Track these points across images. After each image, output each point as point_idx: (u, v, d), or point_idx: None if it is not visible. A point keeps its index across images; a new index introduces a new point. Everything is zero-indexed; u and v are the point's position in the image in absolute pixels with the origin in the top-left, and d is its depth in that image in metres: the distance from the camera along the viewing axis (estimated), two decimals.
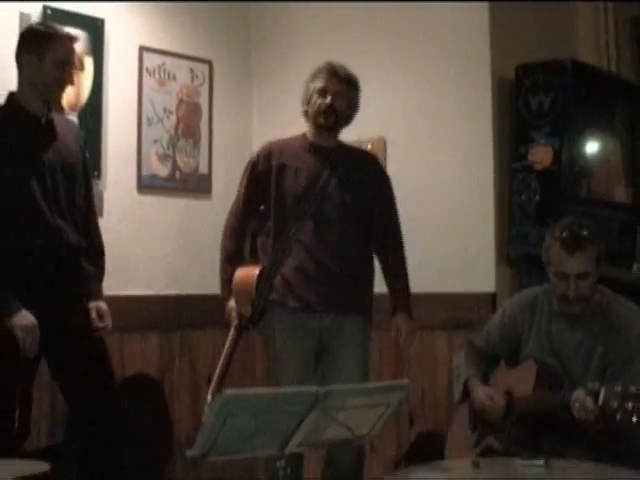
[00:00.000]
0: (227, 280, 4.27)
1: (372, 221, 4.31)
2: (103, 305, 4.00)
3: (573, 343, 3.53)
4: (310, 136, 4.32)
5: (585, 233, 3.44)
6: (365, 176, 4.32)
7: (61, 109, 4.28)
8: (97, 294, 4.01)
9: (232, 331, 4.25)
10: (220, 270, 4.34)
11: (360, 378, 4.15)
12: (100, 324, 3.97)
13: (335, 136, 4.34)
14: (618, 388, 3.06)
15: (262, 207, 4.32)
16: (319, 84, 4.21)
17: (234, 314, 4.24)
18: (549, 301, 3.64)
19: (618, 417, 3.04)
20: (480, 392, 3.63)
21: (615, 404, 3.04)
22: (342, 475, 4.20)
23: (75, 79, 4.29)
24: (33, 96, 3.87)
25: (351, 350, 4.18)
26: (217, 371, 4.24)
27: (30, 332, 3.67)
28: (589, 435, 3.29)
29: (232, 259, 4.31)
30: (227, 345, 4.24)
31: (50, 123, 3.93)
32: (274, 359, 4.28)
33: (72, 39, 3.92)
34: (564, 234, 3.44)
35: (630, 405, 3.00)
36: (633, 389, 3.02)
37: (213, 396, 4.15)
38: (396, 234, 4.37)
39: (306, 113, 4.28)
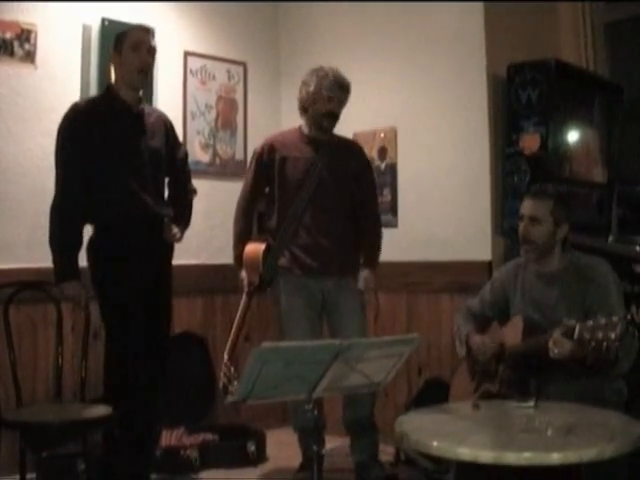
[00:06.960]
0: (238, 255, 4.33)
1: (355, 198, 4.33)
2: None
3: (553, 299, 3.51)
4: (306, 130, 4.33)
5: (548, 190, 3.57)
6: (351, 162, 4.35)
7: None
8: (180, 220, 4.09)
9: (244, 297, 4.32)
10: (233, 247, 4.38)
11: (360, 325, 4.26)
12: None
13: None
14: (590, 322, 3.01)
15: (267, 191, 4.35)
16: (327, 93, 4.21)
17: (245, 282, 4.30)
18: (529, 267, 3.66)
19: (591, 347, 3.00)
20: (477, 339, 3.65)
21: (588, 336, 2.99)
22: (359, 415, 4.26)
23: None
24: (124, 88, 3.84)
25: (351, 305, 4.24)
26: (233, 331, 4.28)
27: (73, 299, 3.76)
28: (568, 374, 3.27)
29: (242, 237, 4.35)
30: (240, 308, 4.31)
31: (140, 111, 3.90)
32: (283, 317, 4.27)
33: (144, 29, 3.92)
34: (534, 188, 3.65)
35: (600, 335, 2.96)
36: (602, 321, 2.97)
37: (229, 353, 4.21)
38: (373, 209, 4.43)
39: (306, 111, 4.29)
